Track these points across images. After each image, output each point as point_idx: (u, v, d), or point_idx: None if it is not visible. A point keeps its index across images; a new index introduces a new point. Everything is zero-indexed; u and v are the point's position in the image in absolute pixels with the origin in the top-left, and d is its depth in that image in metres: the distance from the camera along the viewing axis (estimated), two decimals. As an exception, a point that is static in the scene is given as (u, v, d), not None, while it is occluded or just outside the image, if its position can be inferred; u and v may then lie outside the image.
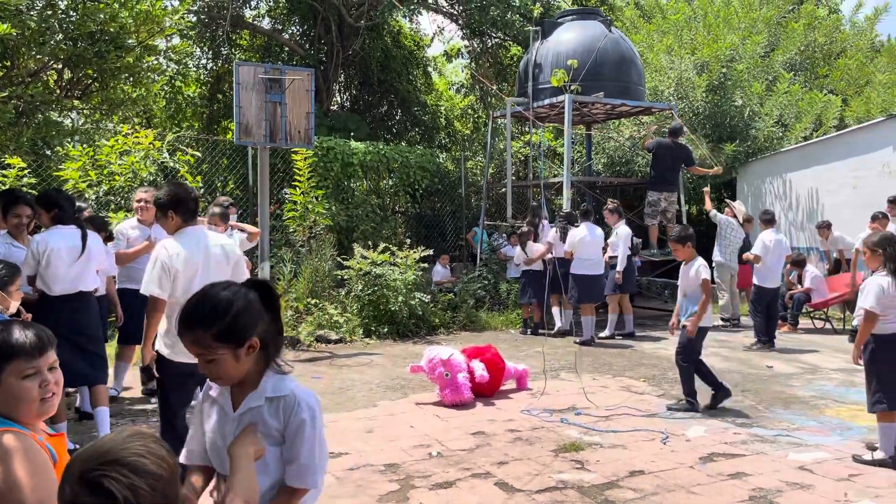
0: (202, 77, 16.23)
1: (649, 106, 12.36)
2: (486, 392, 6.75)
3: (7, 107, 4.62)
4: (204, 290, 2.00)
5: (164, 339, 4.16)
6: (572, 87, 11.03)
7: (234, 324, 1.93)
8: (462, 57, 18.79)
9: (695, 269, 6.37)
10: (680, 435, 5.63)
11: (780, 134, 14.40)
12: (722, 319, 11.07)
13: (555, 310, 10.17)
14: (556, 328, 10.02)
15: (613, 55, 11.60)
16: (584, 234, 9.57)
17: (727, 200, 11.65)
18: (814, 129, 15.01)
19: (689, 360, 6.42)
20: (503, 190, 12.86)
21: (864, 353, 5.08)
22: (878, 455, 4.97)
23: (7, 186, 8.09)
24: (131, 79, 5.99)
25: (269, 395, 2.01)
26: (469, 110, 18.35)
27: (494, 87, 17.63)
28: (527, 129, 14.05)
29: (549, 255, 9.88)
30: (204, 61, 16.23)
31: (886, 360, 4.95)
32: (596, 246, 9.62)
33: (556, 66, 11.42)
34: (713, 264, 10.99)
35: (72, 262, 5.27)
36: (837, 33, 18.75)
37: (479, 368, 6.67)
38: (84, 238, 5.33)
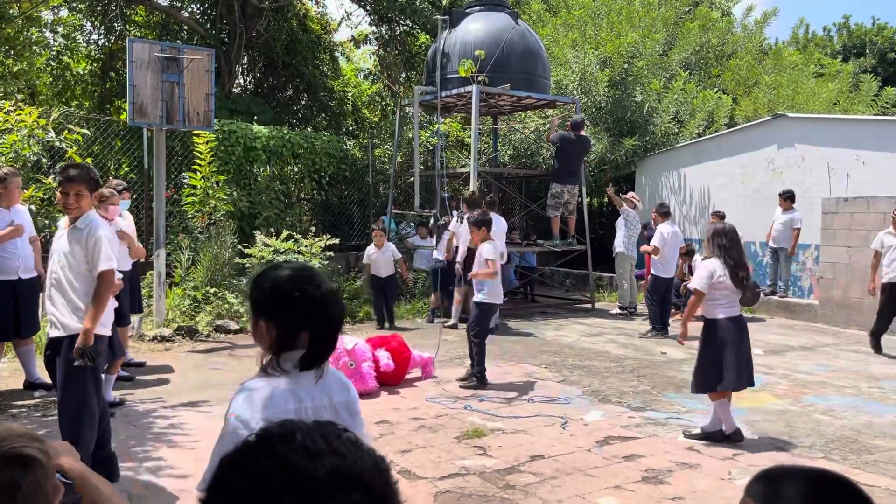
0: (93, 53, 15.34)
1: (554, 99, 12.61)
2: (392, 381, 6.73)
3: None
4: (291, 263, 2.06)
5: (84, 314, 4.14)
6: (479, 78, 11.10)
7: (254, 294, 1.92)
8: (370, 43, 18.58)
9: (484, 251, 6.86)
10: (578, 420, 5.79)
11: (676, 130, 15.02)
12: (619, 308, 11.47)
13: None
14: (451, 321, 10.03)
15: (520, 47, 11.74)
16: None
17: (625, 195, 12.02)
18: (706, 126, 15.74)
19: (481, 336, 6.82)
20: (411, 179, 12.83)
21: (701, 339, 5.45)
22: (707, 427, 5.34)
23: None
24: (12, 52, 5.58)
25: (242, 382, 1.94)
26: (377, 97, 18.17)
27: (402, 76, 17.54)
28: (435, 118, 14.05)
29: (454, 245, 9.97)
30: (95, 37, 15.34)
31: (718, 343, 5.29)
32: (500, 236, 9.77)
33: (463, 56, 11.45)
34: (614, 254, 11.36)
35: None
36: (729, 35, 19.68)
37: (385, 357, 6.64)
38: None
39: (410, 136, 13.39)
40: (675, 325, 9.99)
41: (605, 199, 17.58)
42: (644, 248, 10.34)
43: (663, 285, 9.71)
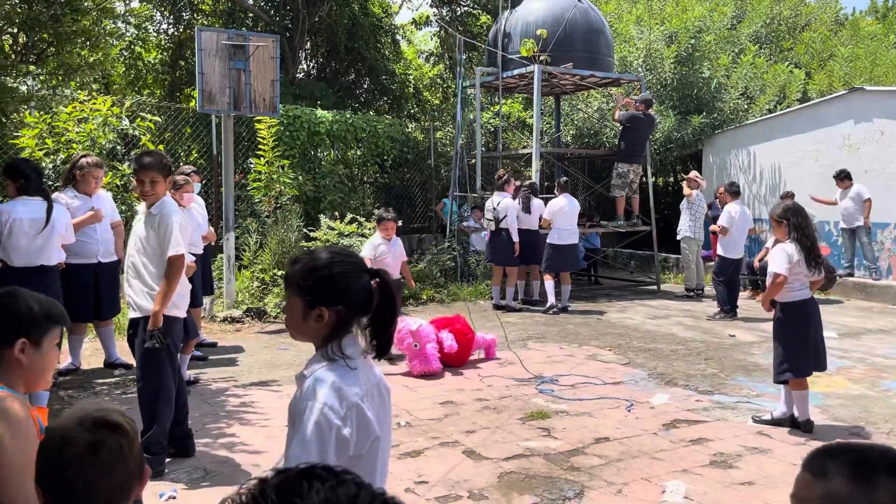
0: (163, 43, 15.79)
1: (618, 77, 12.36)
2: (455, 362, 6.79)
3: (-43, 71, 4.45)
4: (331, 246, 2.01)
5: (174, 297, 4.28)
6: (541, 58, 10.97)
7: (320, 282, 1.87)
8: (431, 25, 18.55)
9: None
10: (644, 403, 5.72)
11: (746, 106, 14.53)
12: (686, 289, 11.24)
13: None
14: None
15: (583, 25, 11.54)
16: (563, 204, 9.79)
17: (686, 175, 11.72)
18: (777, 101, 15.18)
19: None
20: (472, 161, 12.81)
21: (774, 325, 5.27)
22: (778, 414, 5.19)
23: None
24: (88, 43, 5.80)
25: (304, 370, 1.91)
26: (438, 80, 18.15)
27: (463, 56, 17.45)
28: (496, 99, 13.97)
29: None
30: (165, 26, 15.77)
31: (791, 327, 5.11)
32: (572, 217, 9.81)
33: (525, 35, 11.33)
34: (679, 237, 11.13)
35: (35, 235, 5.14)
36: (802, 6, 18.89)
37: (449, 339, 6.69)
38: (49, 210, 5.20)
39: (472, 117, 13.36)
40: (744, 308, 9.73)
41: (671, 179, 17.21)
42: (713, 227, 10.10)
43: (731, 266, 9.48)
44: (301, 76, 16.34)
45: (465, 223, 12.79)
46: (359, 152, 13.09)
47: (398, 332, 6.47)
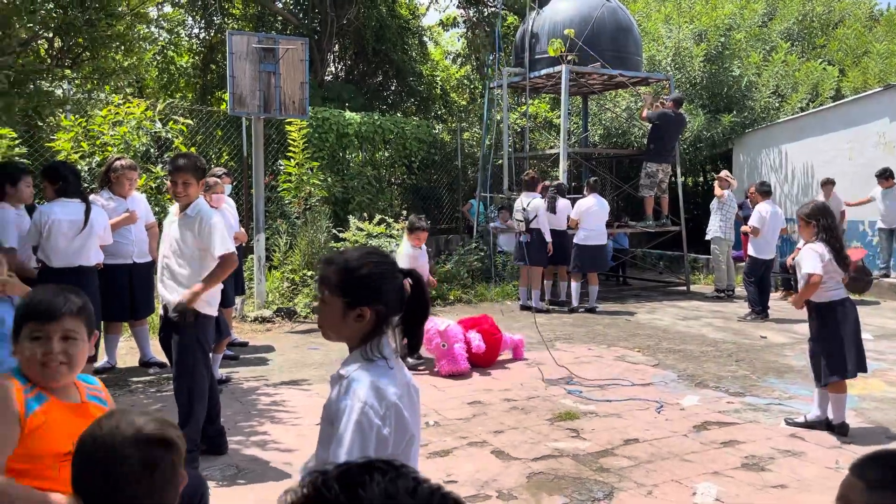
0: (195, 47, 16.02)
1: (646, 76, 12.28)
2: (483, 362, 6.79)
3: (-2, 76, 4.56)
4: (364, 247, 2.03)
5: (207, 296, 4.34)
6: (569, 58, 10.93)
7: (362, 282, 1.89)
8: (458, 26, 18.57)
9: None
10: (674, 404, 5.68)
11: (777, 105, 14.33)
12: (716, 290, 11.12)
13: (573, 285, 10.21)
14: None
15: (611, 24, 11.48)
16: (591, 204, 9.75)
17: (718, 175, 11.59)
18: (810, 99, 14.94)
19: None
20: (499, 161, 12.80)
21: (811, 328, 5.19)
22: (812, 416, 5.12)
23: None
24: (122, 47, 5.91)
25: (340, 370, 1.94)
26: (465, 80, 18.18)
27: (490, 57, 17.46)
28: (523, 99, 13.95)
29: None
30: (196, 30, 16.01)
31: (830, 328, 5.02)
32: (601, 217, 9.77)
33: (553, 35, 11.30)
34: (709, 237, 11.02)
35: (73, 236, 5.25)
36: (836, 2, 18.57)
37: (476, 339, 6.71)
38: (87, 212, 5.32)
39: (499, 118, 13.36)
40: (776, 309, 9.60)
41: (701, 179, 17.03)
42: (744, 228, 9.98)
43: (762, 266, 9.36)
44: (329, 78, 16.47)
45: (492, 224, 12.79)
46: (386, 154, 13.16)
47: (426, 332, 6.50)
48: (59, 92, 7.00)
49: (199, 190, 4.46)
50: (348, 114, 12.53)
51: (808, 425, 5.09)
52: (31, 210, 5.59)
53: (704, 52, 13.76)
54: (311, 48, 9.51)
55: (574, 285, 9.85)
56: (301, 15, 15.92)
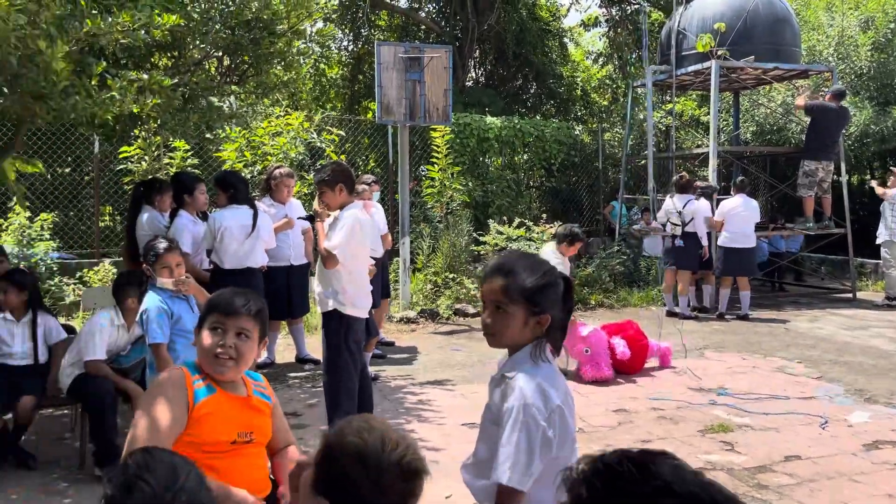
0: (343, 59, 16.79)
1: (805, 68, 11.49)
2: (628, 369, 6.63)
3: (175, 94, 4.99)
4: (527, 253, 2.04)
5: (353, 298, 4.52)
6: (719, 53, 10.44)
7: (544, 290, 1.93)
8: (600, 25, 18.26)
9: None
10: (840, 420, 5.28)
11: (958, 94, 12.98)
12: (887, 297, 10.22)
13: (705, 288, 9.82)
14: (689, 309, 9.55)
15: (765, 16, 10.85)
16: (736, 204, 9.31)
17: (892, 167, 10.65)
18: None
19: None
20: (642, 162, 12.44)
21: None
22: None
23: (175, 168, 8.80)
24: (283, 63, 6.29)
25: (504, 372, 1.96)
26: (607, 80, 17.83)
27: (633, 56, 17.03)
28: (668, 97, 13.48)
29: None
30: (345, 43, 16.77)
31: None
32: (748, 219, 9.27)
33: (701, 30, 10.84)
34: (879, 241, 10.16)
35: (243, 240, 5.69)
36: None
37: (621, 345, 6.56)
38: (255, 217, 5.75)
39: (642, 117, 12.99)
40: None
41: (868, 177, 15.72)
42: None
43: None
44: (470, 84, 16.71)
45: (634, 226, 12.46)
46: (525, 157, 13.17)
47: (569, 338, 6.44)
48: (225, 106, 7.58)
49: (340, 196, 4.60)
50: (489, 118, 12.65)
51: None
52: (172, 215, 6.08)
53: (872, 40, 12.71)
54: (453, 55, 9.69)
55: (723, 291, 9.39)
56: (443, 23, 16.26)
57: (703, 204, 9.33)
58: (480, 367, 6.84)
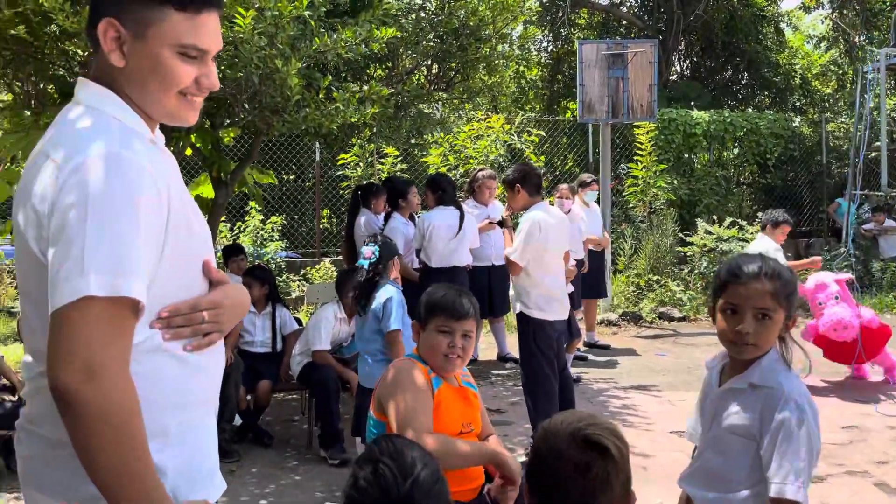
0: (542, 60, 16.83)
1: None
2: (867, 350, 6.00)
3: (390, 103, 5.31)
4: (759, 254, 1.95)
5: (537, 301, 4.54)
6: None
7: (793, 292, 1.88)
8: (822, 7, 16.71)
9: None
10: None
11: None
12: None
13: None
14: None
15: None
16: None
17: None
18: None
19: None
20: (874, 154, 11.21)
21: None
22: None
23: (385, 173, 9.35)
24: (487, 68, 6.44)
25: (753, 381, 1.86)
26: (831, 66, 16.28)
27: (862, 38, 15.41)
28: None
29: None
30: (545, 44, 16.80)
31: None
32: None
33: (949, 3, 9.57)
34: None
35: (449, 240, 5.94)
36: None
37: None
38: (461, 218, 5.99)
39: (873, 105, 11.70)
40: None
41: None
42: None
43: None
44: (674, 78, 16.05)
45: (865, 226, 11.28)
46: (735, 152, 12.40)
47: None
48: (434, 113, 7.93)
49: (521, 198, 4.65)
50: (695, 112, 12.08)
51: None
52: (386, 217, 6.39)
53: None
54: (657, 49, 9.38)
55: None
56: (646, 17, 15.77)
57: None
58: (686, 374, 6.55)
